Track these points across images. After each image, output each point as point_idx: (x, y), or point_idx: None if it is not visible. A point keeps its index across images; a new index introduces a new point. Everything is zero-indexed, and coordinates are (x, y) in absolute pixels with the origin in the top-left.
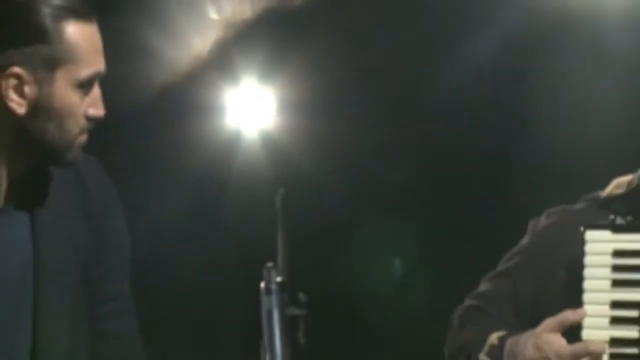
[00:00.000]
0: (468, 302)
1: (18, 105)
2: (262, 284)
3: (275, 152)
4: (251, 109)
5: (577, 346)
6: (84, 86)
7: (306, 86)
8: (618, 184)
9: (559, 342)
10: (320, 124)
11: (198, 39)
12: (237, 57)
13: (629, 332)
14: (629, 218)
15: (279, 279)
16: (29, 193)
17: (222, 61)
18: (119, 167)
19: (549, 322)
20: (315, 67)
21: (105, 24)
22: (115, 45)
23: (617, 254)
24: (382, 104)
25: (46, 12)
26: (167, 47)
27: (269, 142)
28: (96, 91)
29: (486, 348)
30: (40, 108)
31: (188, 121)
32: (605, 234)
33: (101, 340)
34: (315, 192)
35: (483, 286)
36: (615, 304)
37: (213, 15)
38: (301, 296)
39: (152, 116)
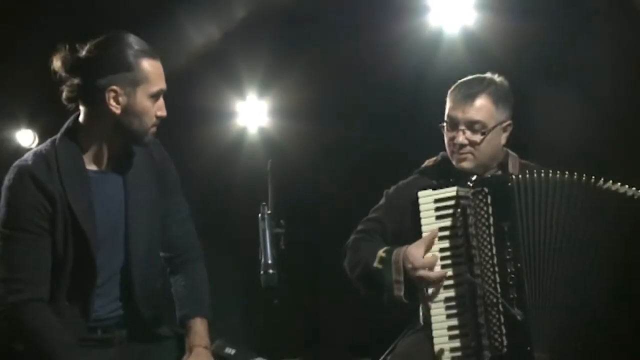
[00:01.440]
0: (354, 236)
1: (115, 109)
2: (259, 215)
3: (269, 141)
4: (253, 113)
5: (426, 257)
6: (154, 97)
7: (290, 98)
8: (429, 161)
9: (418, 253)
10: (300, 123)
11: (216, 64)
12: (243, 79)
13: (452, 243)
14: (441, 181)
15: (269, 212)
16: (121, 162)
17: (233, 81)
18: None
19: (412, 246)
20: (296, 85)
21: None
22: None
23: (437, 200)
24: (347, 108)
25: (131, 53)
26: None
27: (265, 135)
28: (161, 100)
29: (377, 259)
30: (128, 110)
31: (211, 122)
32: (429, 191)
33: (172, 236)
34: (295, 165)
35: (361, 226)
36: (441, 229)
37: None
38: (282, 221)
39: (183, 118)
